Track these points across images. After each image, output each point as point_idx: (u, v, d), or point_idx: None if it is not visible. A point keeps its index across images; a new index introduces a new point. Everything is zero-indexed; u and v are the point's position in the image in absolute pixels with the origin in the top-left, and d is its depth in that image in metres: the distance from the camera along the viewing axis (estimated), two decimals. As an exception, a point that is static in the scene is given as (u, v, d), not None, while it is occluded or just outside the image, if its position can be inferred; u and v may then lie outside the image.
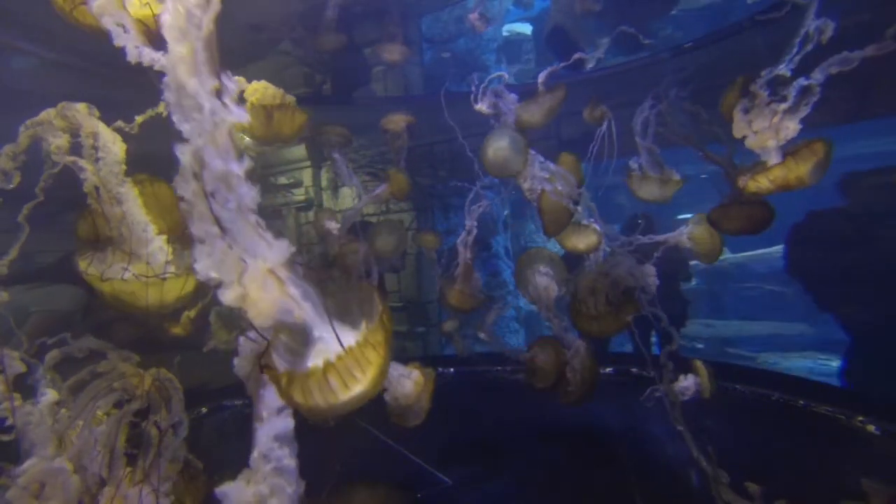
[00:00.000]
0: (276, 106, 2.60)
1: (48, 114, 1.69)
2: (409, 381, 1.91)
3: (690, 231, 2.78)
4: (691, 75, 3.17)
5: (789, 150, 2.13)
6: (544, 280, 2.61)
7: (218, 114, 1.00)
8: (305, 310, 1.13)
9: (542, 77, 2.70)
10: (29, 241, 1.78)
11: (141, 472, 1.48)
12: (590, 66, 3.06)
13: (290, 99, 2.73)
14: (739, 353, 8.82)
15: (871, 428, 2.46)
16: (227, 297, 1.05)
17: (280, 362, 1.16)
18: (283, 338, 1.20)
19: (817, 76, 2.03)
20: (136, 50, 1.22)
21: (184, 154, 1.00)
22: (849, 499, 1.51)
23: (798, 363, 8.21)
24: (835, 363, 7.94)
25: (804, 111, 2.07)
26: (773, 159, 2.13)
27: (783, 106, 2.08)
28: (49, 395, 1.46)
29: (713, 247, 2.77)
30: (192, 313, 3.01)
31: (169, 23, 0.95)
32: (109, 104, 1.86)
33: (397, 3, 4.52)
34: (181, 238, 1.90)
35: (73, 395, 1.53)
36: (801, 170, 2.08)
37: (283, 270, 1.10)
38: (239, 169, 1.03)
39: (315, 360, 1.12)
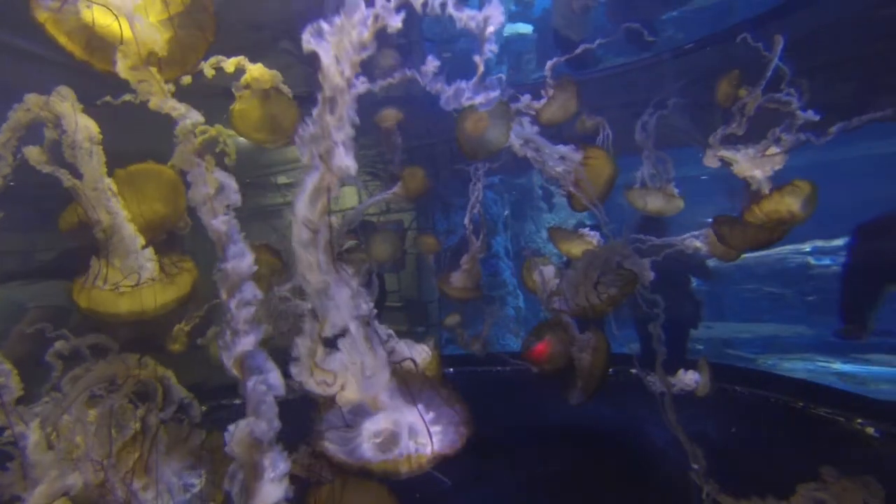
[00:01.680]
0: (273, 87, 2.55)
1: (35, 98, 1.61)
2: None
3: (708, 234, 2.76)
4: (695, 77, 3.16)
5: (777, 186, 2.19)
6: (548, 272, 2.58)
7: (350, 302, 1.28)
8: (380, 401, 1.34)
9: (548, 69, 2.68)
10: (29, 239, 1.77)
11: (144, 457, 1.48)
12: (595, 64, 3.05)
13: (286, 87, 2.66)
14: (739, 354, 8.82)
15: (871, 430, 2.45)
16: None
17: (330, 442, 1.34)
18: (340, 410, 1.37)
19: (788, 139, 2.08)
20: (163, 103, 1.37)
21: (303, 343, 1.25)
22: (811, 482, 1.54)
23: (798, 365, 8.20)
24: (835, 365, 7.94)
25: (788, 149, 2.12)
26: (763, 187, 2.19)
27: (752, 151, 2.13)
28: (39, 418, 1.37)
29: (728, 249, 2.75)
30: (185, 326, 2.93)
31: (295, 237, 1.29)
32: (108, 105, 1.85)
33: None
34: (162, 244, 1.84)
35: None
36: (790, 204, 2.13)
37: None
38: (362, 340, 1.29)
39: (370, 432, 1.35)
